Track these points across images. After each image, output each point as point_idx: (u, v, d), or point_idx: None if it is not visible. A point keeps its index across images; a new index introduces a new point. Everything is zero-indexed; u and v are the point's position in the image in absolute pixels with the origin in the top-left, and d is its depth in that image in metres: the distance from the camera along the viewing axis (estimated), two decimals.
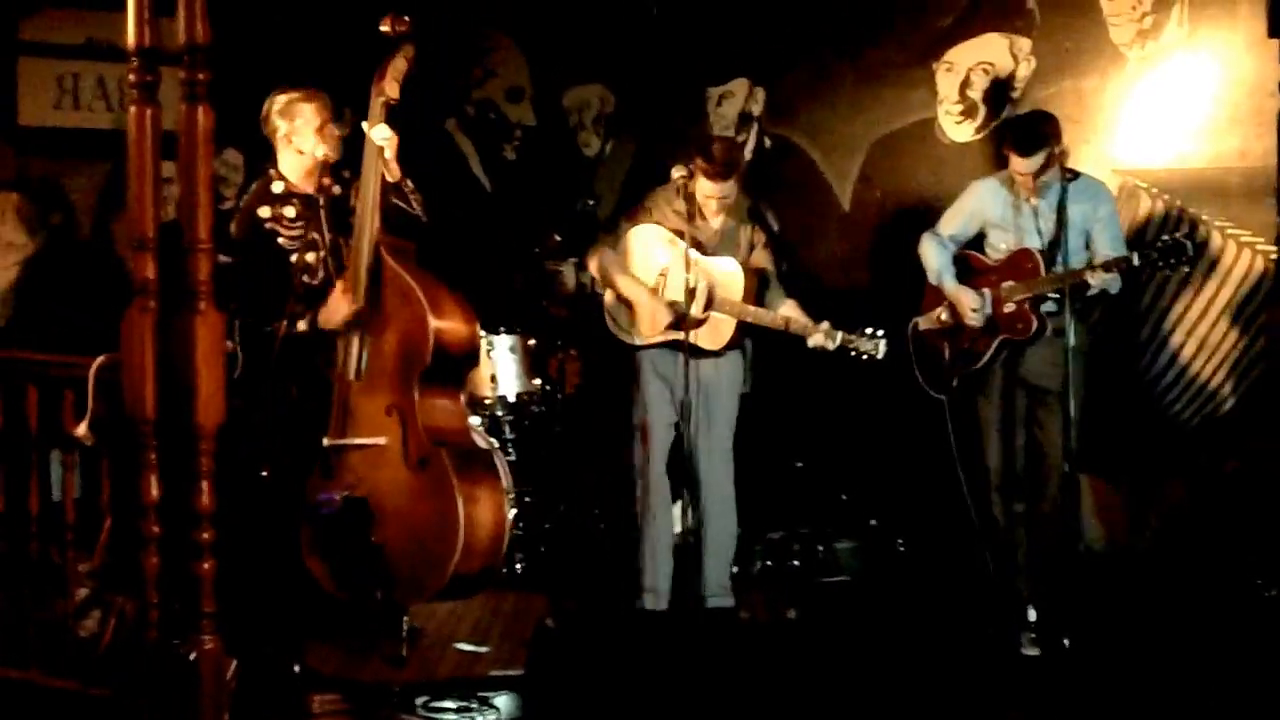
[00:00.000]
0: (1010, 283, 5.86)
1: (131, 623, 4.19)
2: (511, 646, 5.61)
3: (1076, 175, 5.83)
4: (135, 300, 4.01)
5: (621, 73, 8.25)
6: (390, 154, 5.36)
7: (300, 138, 5.49)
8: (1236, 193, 6.28)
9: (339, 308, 5.34)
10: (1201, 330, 6.39)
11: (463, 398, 5.55)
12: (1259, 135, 6.19)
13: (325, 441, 5.33)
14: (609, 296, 6.15)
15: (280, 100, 5.51)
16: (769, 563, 6.71)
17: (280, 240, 5.48)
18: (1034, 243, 5.79)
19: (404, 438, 5.25)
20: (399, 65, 5.38)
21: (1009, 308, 5.87)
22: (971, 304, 5.94)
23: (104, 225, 7.79)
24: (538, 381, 7.05)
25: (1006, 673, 5.42)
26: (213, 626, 3.99)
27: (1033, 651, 5.54)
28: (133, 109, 4.03)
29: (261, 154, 8.02)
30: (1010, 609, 5.77)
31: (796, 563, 6.83)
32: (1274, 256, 6.17)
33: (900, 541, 6.93)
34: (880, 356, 5.75)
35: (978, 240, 6.15)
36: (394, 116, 5.41)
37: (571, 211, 7.61)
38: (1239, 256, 6.26)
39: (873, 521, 7.05)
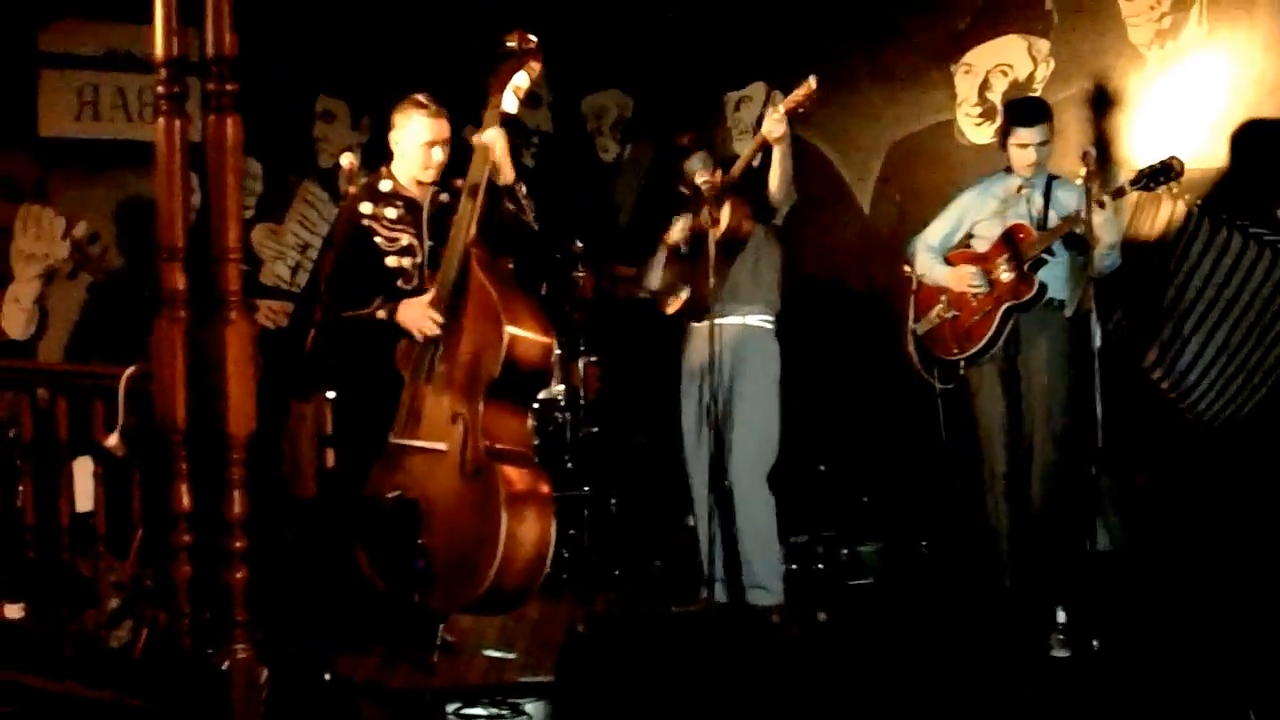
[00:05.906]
0: (1006, 254, 6.01)
1: (164, 632, 4.20)
2: (539, 652, 5.60)
3: (1057, 177, 6.12)
4: (164, 310, 4.02)
5: (639, 78, 8.27)
6: (501, 154, 5.35)
7: (405, 143, 5.55)
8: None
9: (422, 314, 5.35)
10: (1223, 330, 6.36)
11: (530, 419, 5.50)
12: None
13: (391, 439, 5.36)
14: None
15: (404, 103, 5.56)
16: (794, 566, 6.68)
17: (376, 239, 5.51)
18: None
19: (462, 447, 5.25)
20: (521, 81, 5.40)
21: (1006, 276, 6.01)
22: (972, 276, 6.09)
23: (126, 236, 7.80)
24: (561, 387, 7.05)
25: (1037, 675, 5.40)
26: (245, 635, 4.00)
27: (1062, 653, 5.52)
28: (161, 120, 4.03)
29: (282, 164, 8.09)
30: (1038, 610, 5.75)
31: (821, 565, 6.83)
32: None
33: (924, 543, 6.92)
34: (814, 86, 5.76)
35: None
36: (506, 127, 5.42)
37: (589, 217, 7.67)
38: (1261, 256, 6.24)
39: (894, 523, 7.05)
